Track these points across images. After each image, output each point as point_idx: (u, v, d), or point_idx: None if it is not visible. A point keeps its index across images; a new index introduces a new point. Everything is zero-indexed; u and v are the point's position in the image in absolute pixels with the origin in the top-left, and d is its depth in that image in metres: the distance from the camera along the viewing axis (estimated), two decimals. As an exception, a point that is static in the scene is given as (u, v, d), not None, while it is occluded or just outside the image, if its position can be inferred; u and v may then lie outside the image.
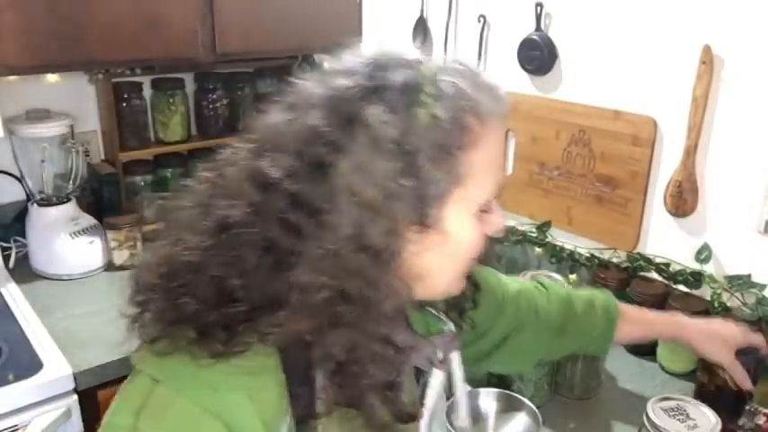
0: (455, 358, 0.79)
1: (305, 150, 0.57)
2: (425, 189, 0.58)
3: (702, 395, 1.17)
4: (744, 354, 1.11)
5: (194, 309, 0.58)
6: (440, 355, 0.77)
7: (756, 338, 1.13)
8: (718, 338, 1.10)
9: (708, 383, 1.19)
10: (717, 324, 1.14)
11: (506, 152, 0.67)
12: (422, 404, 0.78)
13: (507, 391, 1.22)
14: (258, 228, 0.58)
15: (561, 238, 1.63)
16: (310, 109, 0.59)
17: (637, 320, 1.09)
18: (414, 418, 0.72)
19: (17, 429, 1.25)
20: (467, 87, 0.60)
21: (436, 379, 0.78)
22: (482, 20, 1.70)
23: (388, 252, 0.58)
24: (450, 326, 0.79)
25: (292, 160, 0.57)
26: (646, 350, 1.44)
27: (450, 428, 1.12)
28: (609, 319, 1.04)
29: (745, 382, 1.10)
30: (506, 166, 0.66)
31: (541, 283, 1.04)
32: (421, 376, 0.79)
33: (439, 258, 0.64)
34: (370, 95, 0.58)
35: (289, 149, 0.58)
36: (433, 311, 0.79)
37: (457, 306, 0.79)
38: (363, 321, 0.58)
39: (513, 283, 1.00)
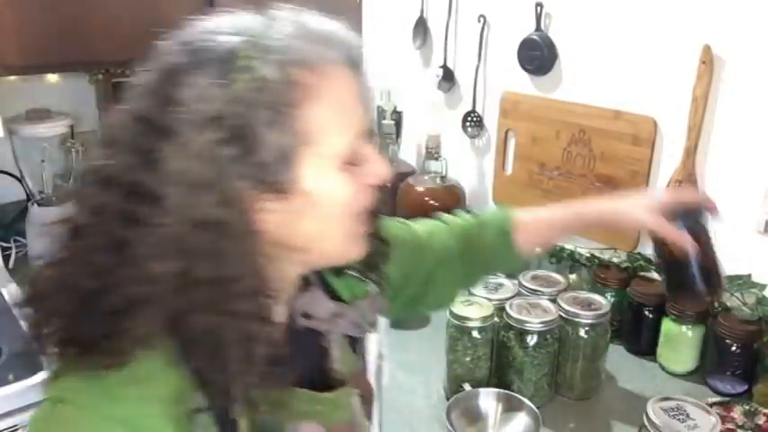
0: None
1: (135, 140, 0.57)
2: (264, 155, 0.56)
3: (665, 284, 1.03)
4: (686, 216, 0.96)
5: (66, 325, 0.58)
6: (369, 317, 0.76)
7: (692, 194, 0.99)
8: (637, 205, 0.96)
9: (660, 265, 1.04)
10: (640, 194, 1.01)
11: (362, 96, 0.64)
12: (365, 369, 0.79)
13: (507, 391, 1.22)
14: (104, 228, 0.57)
15: (561, 238, 1.63)
16: (139, 96, 0.58)
17: (539, 226, 1.00)
18: (342, 383, 0.72)
19: (17, 429, 1.25)
20: (294, 40, 0.58)
21: (372, 342, 0.79)
22: (482, 20, 1.70)
23: (234, 227, 0.57)
24: (372, 286, 0.78)
25: (126, 152, 0.57)
26: (646, 350, 1.44)
27: (451, 428, 1.12)
28: (503, 236, 0.97)
29: (678, 238, 0.94)
30: (366, 111, 0.64)
31: (442, 220, 1.01)
32: (357, 344, 0.78)
33: (314, 222, 0.62)
34: (189, 71, 0.56)
35: (122, 142, 0.58)
36: (354, 274, 0.78)
37: (370, 265, 0.77)
38: (221, 302, 0.57)
39: (422, 226, 0.97)
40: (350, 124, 0.62)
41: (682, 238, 0.94)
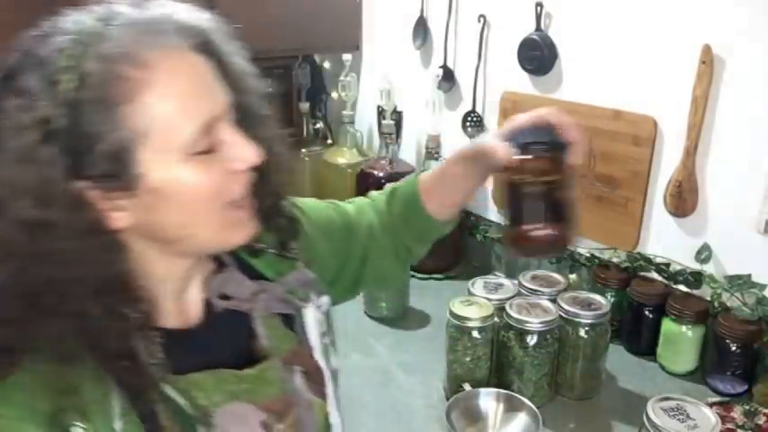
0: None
1: None
2: (97, 153, 0.56)
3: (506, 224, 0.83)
4: (534, 135, 0.80)
5: None
6: (299, 292, 0.76)
7: (544, 115, 0.81)
8: (491, 133, 0.87)
9: (504, 202, 0.83)
10: None
11: (218, 79, 0.63)
12: (308, 346, 0.78)
13: (507, 391, 1.22)
14: None
15: (561, 238, 1.62)
16: None
17: (442, 182, 0.92)
18: (264, 357, 0.72)
19: None
20: (122, 34, 0.57)
21: (309, 316, 0.78)
22: (482, 20, 1.70)
23: (63, 227, 0.56)
24: (299, 262, 0.79)
25: None
26: (646, 350, 1.44)
27: (451, 428, 1.12)
28: (411, 200, 0.92)
29: (502, 153, 0.79)
30: (222, 94, 0.63)
31: (369, 197, 0.99)
32: (293, 321, 0.78)
33: (176, 215, 0.62)
34: (19, 76, 0.56)
35: None
36: (272, 251, 0.78)
37: (281, 243, 0.78)
38: (65, 304, 0.57)
39: (351, 205, 0.96)
40: (195, 112, 0.60)
41: (504, 152, 0.78)
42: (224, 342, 0.72)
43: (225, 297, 0.73)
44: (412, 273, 1.74)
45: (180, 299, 0.71)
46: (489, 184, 1.78)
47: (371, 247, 0.93)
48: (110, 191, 0.58)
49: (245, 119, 0.67)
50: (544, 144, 0.79)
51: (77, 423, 0.58)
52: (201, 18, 0.64)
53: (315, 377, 0.77)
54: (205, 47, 0.63)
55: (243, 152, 0.63)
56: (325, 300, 0.81)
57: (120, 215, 0.60)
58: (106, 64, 0.56)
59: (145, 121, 0.57)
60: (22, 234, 0.55)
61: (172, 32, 0.61)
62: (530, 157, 0.78)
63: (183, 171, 0.60)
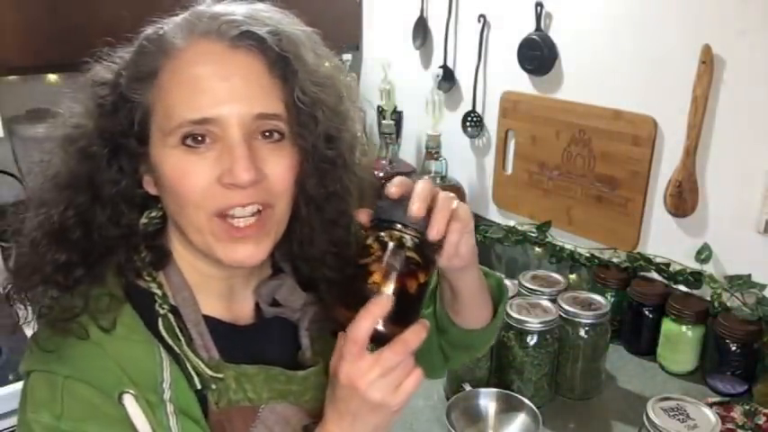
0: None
1: None
2: (131, 118, 0.63)
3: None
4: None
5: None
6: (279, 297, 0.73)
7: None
8: None
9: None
10: None
11: (234, 79, 0.60)
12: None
13: (507, 391, 1.22)
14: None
15: (561, 238, 1.63)
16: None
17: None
18: (311, 365, 0.72)
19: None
20: (172, 23, 0.65)
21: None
22: (482, 20, 1.70)
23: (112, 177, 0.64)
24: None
25: None
26: (646, 350, 1.44)
27: (451, 428, 1.12)
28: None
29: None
30: (236, 96, 0.61)
31: None
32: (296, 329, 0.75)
33: (169, 202, 0.64)
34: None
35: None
36: None
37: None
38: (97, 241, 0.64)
39: None
40: (196, 104, 0.60)
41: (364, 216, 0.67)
42: (273, 346, 0.72)
43: (276, 303, 0.72)
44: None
45: (230, 299, 0.71)
46: (489, 186, 1.78)
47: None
48: (139, 154, 0.63)
49: (299, 144, 0.63)
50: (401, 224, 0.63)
51: (129, 390, 0.60)
52: (277, 23, 0.64)
53: None
54: (266, 53, 0.61)
55: (231, 166, 0.60)
56: None
57: (148, 179, 0.65)
58: (144, 43, 0.64)
59: (157, 96, 0.62)
60: (81, 165, 0.63)
61: (219, 27, 0.61)
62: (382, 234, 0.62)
63: (171, 155, 0.62)
